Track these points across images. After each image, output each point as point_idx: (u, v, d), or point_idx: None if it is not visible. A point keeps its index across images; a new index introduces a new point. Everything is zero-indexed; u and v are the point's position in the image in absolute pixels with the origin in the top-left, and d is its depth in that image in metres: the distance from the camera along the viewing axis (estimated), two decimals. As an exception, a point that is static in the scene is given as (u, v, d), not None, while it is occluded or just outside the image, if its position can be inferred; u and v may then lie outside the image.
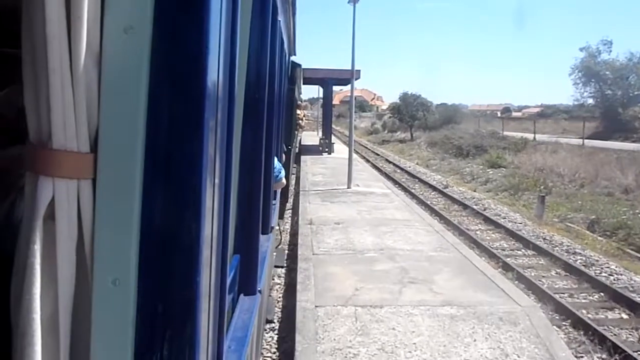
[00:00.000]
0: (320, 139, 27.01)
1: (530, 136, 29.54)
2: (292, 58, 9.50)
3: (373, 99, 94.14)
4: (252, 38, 2.18)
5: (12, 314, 0.81)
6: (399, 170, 24.40)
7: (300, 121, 20.12)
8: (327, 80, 22.35)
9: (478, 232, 11.95)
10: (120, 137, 0.80)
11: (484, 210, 14.63)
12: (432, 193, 17.82)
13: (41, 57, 0.75)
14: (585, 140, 26.98)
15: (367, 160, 27.11)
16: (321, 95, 38.62)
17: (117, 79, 0.79)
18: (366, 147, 38.45)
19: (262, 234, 2.71)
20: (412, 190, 17.61)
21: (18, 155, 1.32)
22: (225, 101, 1.06)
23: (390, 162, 28.12)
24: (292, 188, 13.89)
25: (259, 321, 2.78)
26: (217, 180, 1.00)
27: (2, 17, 1.97)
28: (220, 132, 1.00)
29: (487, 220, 13.19)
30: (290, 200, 13.24)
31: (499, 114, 70.15)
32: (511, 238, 11.37)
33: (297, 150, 18.96)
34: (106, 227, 0.81)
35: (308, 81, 21.79)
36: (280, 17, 3.21)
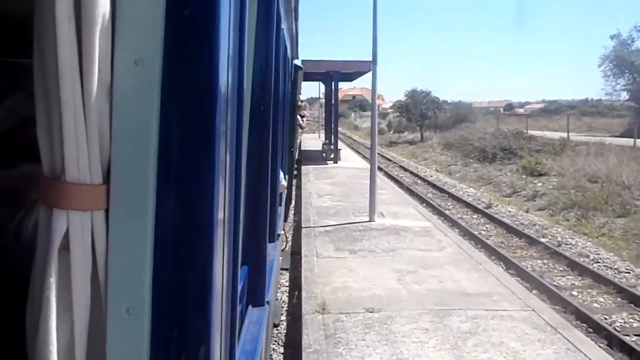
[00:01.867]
0: (324, 144, 23.38)
1: (555, 135, 26.06)
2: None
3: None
4: (257, 48, 2.19)
5: (28, 345, 0.82)
6: (419, 181, 20.20)
7: (300, 122, 19.69)
8: (332, 74, 18.78)
9: (576, 294, 7.89)
10: (132, 168, 0.81)
11: (558, 245, 10.49)
12: (475, 216, 13.64)
13: (54, 91, 0.76)
14: (623, 139, 23.05)
15: (380, 168, 22.50)
16: (320, 94, 35.94)
17: (128, 110, 0.80)
18: None
19: (269, 242, 2.72)
20: (447, 212, 13.64)
21: (23, 173, 1.33)
22: (234, 122, 1.07)
23: (405, 169, 24.11)
24: (291, 216, 11.21)
25: (267, 331, 2.79)
26: (228, 202, 1.01)
27: (6, 25, 1.98)
28: (230, 154, 1.01)
29: (575, 266, 8.95)
30: (289, 235, 9.78)
31: (502, 111, 70.08)
32: (637, 308, 7.25)
33: (296, 156, 16.07)
34: (120, 257, 0.82)
35: (308, 77, 18.78)
36: (283, 25, 3.22)
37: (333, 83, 19.92)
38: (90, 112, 0.77)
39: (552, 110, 61.96)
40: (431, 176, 21.91)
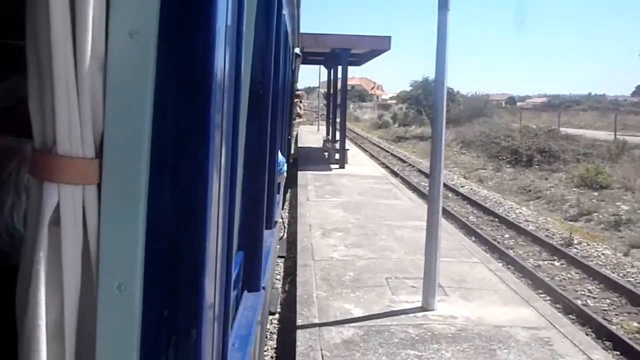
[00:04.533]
0: (325, 141, 19.22)
1: (595, 134, 22.27)
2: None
3: (373, 87, 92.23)
4: (257, 33, 2.17)
5: (17, 319, 0.81)
6: (450, 194, 14.73)
7: (299, 110, 18.72)
8: (339, 53, 14.42)
9: None
10: (126, 142, 0.80)
11: None
12: (557, 263, 8.68)
13: (46, 63, 0.75)
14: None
15: (395, 173, 17.78)
16: (320, 82, 30.11)
17: (122, 83, 0.79)
18: (380, 147, 29.42)
19: (266, 229, 2.73)
20: (512, 253, 8.98)
21: (6, 146, 1.32)
22: (231, 101, 1.05)
23: (426, 174, 17.46)
24: (281, 265, 7.42)
25: (263, 317, 2.80)
26: (223, 182, 1.00)
27: (4, 8, 1.97)
28: (226, 132, 1.00)
29: None
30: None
31: (503, 104, 69.82)
32: None
33: (292, 150, 13.96)
34: (111, 232, 0.80)
35: (306, 59, 15.49)
36: (285, 10, 3.19)
37: (340, 66, 15.67)
38: (83, 84, 0.76)
39: (555, 105, 61.76)
40: (462, 186, 17.04)
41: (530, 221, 12.08)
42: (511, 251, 9.31)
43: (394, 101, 67.71)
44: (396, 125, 43.00)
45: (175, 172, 0.84)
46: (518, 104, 75.53)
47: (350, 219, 8.34)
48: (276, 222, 4.06)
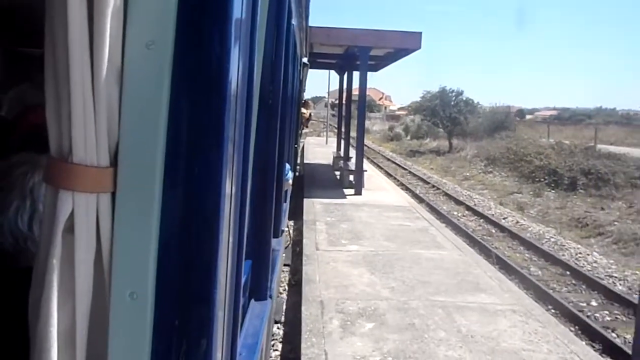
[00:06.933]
0: (336, 157, 16.37)
1: (628, 151, 20.19)
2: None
3: (381, 98, 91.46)
4: (268, 43, 2.19)
5: (29, 327, 0.82)
6: (493, 229, 12.13)
7: (305, 122, 18.21)
8: (356, 53, 11.44)
9: None
10: (140, 151, 0.80)
11: None
12: None
13: (63, 72, 0.76)
14: None
15: (419, 198, 15.36)
16: (328, 91, 28.97)
17: (138, 93, 0.79)
18: (395, 162, 26.75)
19: (274, 237, 2.73)
20: (613, 338, 6.48)
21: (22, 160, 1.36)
22: (244, 111, 1.06)
23: (455, 199, 15.88)
24: None
25: (269, 326, 2.79)
26: (235, 191, 1.00)
27: (14, 16, 2.00)
28: (238, 142, 1.00)
29: None
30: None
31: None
32: None
33: (298, 168, 12.16)
34: (124, 241, 0.81)
35: (315, 62, 13.14)
36: (294, 21, 3.22)
37: (356, 70, 12.40)
38: (100, 94, 0.77)
39: (566, 118, 61.53)
40: (503, 217, 13.65)
41: (615, 277, 9.19)
42: (614, 335, 6.57)
43: (404, 112, 67.41)
44: (408, 137, 40.60)
45: (188, 181, 0.84)
46: (527, 117, 75.25)
47: (381, 289, 5.62)
48: (283, 231, 4.07)
